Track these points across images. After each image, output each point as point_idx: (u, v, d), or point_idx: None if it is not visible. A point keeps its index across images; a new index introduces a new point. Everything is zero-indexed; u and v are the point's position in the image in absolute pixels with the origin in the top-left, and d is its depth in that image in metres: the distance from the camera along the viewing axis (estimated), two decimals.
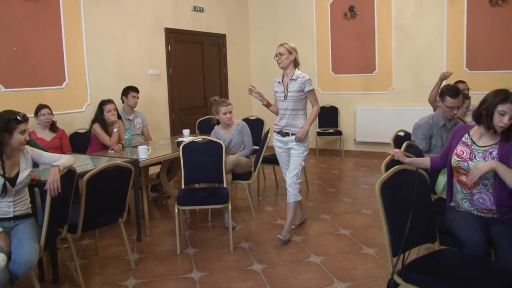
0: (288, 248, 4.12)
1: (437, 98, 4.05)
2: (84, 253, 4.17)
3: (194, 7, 7.72)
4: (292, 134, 4.30)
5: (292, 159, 4.33)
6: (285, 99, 4.26)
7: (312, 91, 4.26)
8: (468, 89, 5.52)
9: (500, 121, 2.70)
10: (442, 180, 3.60)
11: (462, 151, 2.86)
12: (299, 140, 4.27)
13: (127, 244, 3.76)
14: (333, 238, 4.35)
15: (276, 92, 4.38)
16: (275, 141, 4.47)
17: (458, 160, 2.85)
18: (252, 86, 4.38)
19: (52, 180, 2.93)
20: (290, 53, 4.22)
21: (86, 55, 5.89)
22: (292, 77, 4.24)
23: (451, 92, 3.89)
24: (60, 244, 3.52)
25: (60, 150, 4.97)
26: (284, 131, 4.34)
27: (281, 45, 4.26)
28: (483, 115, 2.76)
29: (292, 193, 4.31)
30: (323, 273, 3.60)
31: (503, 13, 6.97)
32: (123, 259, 3.95)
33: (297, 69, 4.29)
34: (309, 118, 4.32)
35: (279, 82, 4.36)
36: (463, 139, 2.91)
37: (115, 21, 6.29)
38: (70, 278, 3.60)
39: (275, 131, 4.44)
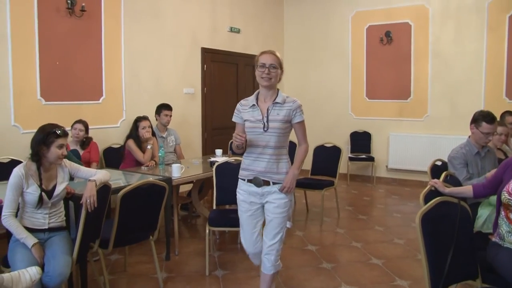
0: (319, 275, 4.02)
1: (470, 124, 3.93)
2: (113, 268, 4.17)
3: (231, 28, 7.81)
4: (274, 183, 3.00)
5: (274, 219, 3.02)
6: (265, 131, 2.97)
7: (302, 123, 3.07)
8: None
9: None
10: (482, 214, 3.47)
11: None
12: (289, 191, 3.02)
13: (156, 263, 3.74)
14: (364, 267, 4.22)
15: (248, 120, 3.04)
16: (242, 194, 3.10)
17: (509, 199, 2.73)
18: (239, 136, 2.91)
19: (89, 195, 2.96)
20: (281, 68, 3.06)
21: (124, 71, 6.01)
22: (276, 100, 3.01)
23: (487, 118, 3.80)
24: (91, 258, 3.53)
25: (89, 163, 5.01)
26: (262, 178, 3.01)
27: (272, 53, 3.03)
28: None
29: (273, 263, 3.08)
30: None
31: None
32: (151, 277, 3.93)
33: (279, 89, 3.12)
34: (297, 159, 3.09)
35: (253, 105, 3.04)
36: None
37: (153, 39, 6.41)
38: None
39: (243, 179, 3.10)
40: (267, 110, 3.00)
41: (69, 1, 5.22)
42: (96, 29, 5.63)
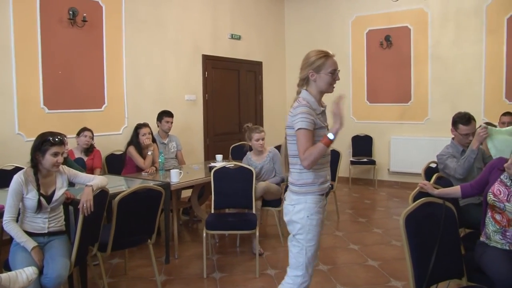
0: (315, 277, 4.00)
1: (451, 127, 4.03)
2: (113, 272, 4.26)
3: (232, 35, 7.92)
4: None
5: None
6: None
7: None
8: None
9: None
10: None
11: (499, 191, 2.81)
12: None
13: (154, 266, 3.82)
14: (360, 269, 4.28)
15: (321, 128, 2.65)
16: (319, 211, 2.66)
17: (494, 200, 2.80)
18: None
19: (85, 200, 3.05)
20: None
21: (126, 79, 6.13)
22: (325, 105, 2.80)
23: (463, 119, 3.91)
24: (90, 262, 3.62)
25: (92, 170, 5.13)
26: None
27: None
28: None
29: None
30: None
31: None
32: (151, 280, 4.01)
33: None
34: None
35: (323, 112, 2.75)
36: (502, 177, 2.85)
37: (154, 47, 6.53)
38: None
39: (322, 194, 2.69)
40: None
41: (70, 12, 5.36)
42: (97, 39, 5.76)
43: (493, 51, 7.28)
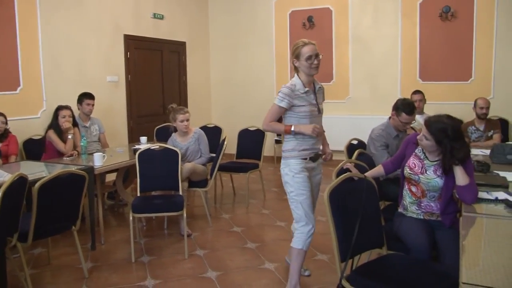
0: (243, 255, 4.16)
1: (392, 110, 4.11)
2: (36, 262, 4.08)
3: (154, 14, 7.71)
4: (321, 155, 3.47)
5: (318, 186, 3.55)
6: (319, 113, 3.28)
7: None
8: (422, 100, 5.73)
9: None
10: None
11: (414, 164, 2.99)
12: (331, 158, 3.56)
13: (80, 253, 3.71)
14: (288, 244, 4.29)
15: (301, 106, 3.16)
16: (303, 170, 3.24)
17: (410, 173, 2.98)
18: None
19: None
20: None
21: (43, 60, 5.79)
22: (320, 86, 3.33)
23: (407, 109, 3.95)
24: (9, 254, 3.44)
25: (7, 157, 4.86)
26: (319, 153, 3.42)
27: (313, 44, 3.19)
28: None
29: None
30: (277, 279, 3.67)
31: (453, 27, 7.29)
32: (77, 267, 3.89)
33: None
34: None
35: (308, 91, 3.19)
36: (416, 151, 3.03)
37: (74, 26, 6.21)
38: None
39: (304, 158, 3.25)
40: (316, 95, 3.26)
41: None
42: (8, 15, 5.36)
43: (408, 33, 7.67)
